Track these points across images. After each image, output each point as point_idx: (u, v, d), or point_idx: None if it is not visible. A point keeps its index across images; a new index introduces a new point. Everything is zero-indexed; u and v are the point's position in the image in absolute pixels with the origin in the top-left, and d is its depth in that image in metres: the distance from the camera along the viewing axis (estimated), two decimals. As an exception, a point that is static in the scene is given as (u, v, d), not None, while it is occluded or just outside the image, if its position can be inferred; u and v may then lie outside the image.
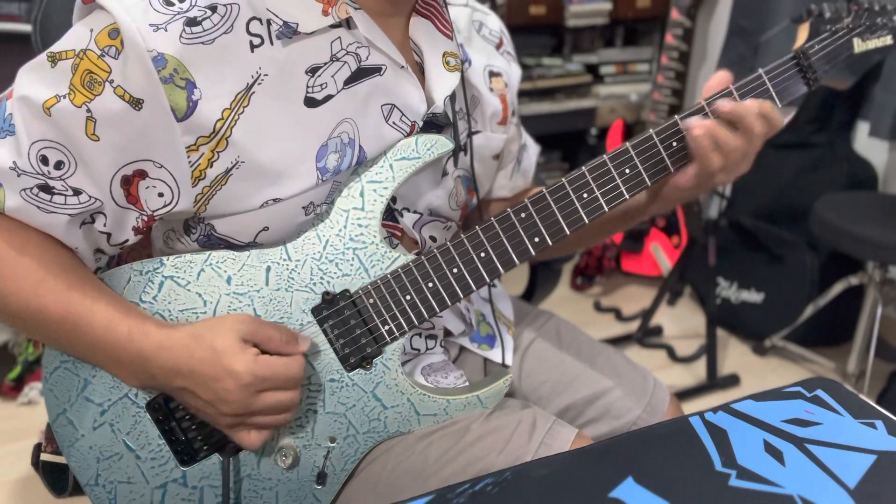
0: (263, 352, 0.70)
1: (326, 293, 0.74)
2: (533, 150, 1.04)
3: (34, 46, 0.92)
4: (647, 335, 2.29)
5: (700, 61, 2.73)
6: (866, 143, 2.19)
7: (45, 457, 0.82)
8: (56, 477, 0.82)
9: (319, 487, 0.78)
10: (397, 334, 0.76)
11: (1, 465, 1.64)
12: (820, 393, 0.71)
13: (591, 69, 2.72)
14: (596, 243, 1.05)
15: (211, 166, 0.68)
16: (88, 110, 0.65)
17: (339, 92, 0.72)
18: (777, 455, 0.62)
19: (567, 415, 0.93)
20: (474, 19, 0.92)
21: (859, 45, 0.82)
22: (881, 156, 2.18)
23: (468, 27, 0.90)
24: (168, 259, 0.73)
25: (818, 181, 2.17)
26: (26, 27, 1.85)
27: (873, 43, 0.82)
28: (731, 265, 2.33)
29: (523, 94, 2.54)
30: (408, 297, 0.75)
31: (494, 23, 0.95)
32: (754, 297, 2.27)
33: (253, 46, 0.68)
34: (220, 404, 0.68)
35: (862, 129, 2.21)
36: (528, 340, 0.99)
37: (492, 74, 0.90)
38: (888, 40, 0.83)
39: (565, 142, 2.83)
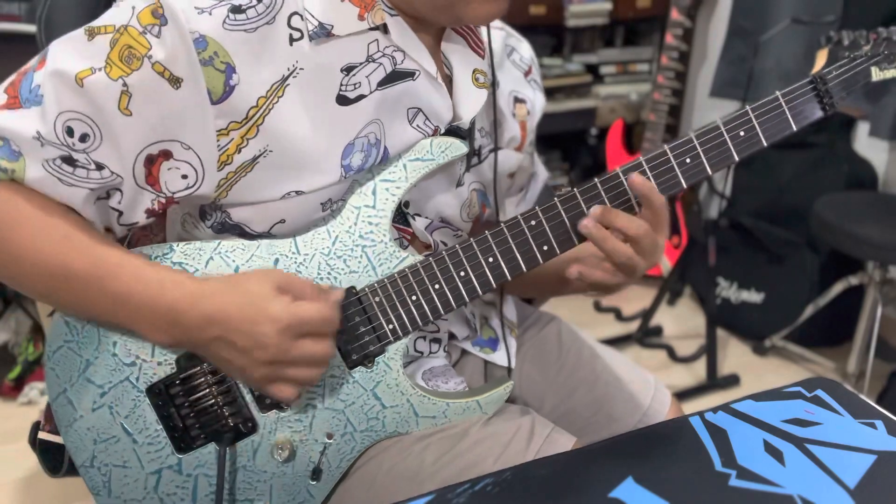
0: None
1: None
2: (542, 178, 1.03)
3: (39, 47, 0.92)
4: (647, 335, 2.29)
5: (700, 61, 2.74)
6: (866, 143, 2.19)
7: (42, 435, 0.82)
8: (51, 455, 0.82)
9: (314, 483, 0.78)
10: (401, 334, 0.76)
11: (1, 465, 1.64)
12: (820, 393, 0.71)
13: (591, 69, 2.71)
14: (533, 296, 1.05)
15: (239, 152, 0.69)
16: (125, 84, 0.65)
17: (371, 92, 0.73)
18: (777, 455, 0.62)
19: (567, 419, 0.93)
20: (507, 44, 0.93)
21: (877, 74, 0.82)
22: (881, 156, 2.18)
23: (501, 51, 0.91)
24: (178, 245, 0.73)
25: (818, 181, 2.17)
26: (26, 27, 1.85)
27: (891, 73, 0.82)
28: (731, 265, 2.33)
29: (523, 94, 2.54)
30: (413, 298, 0.75)
31: (526, 50, 0.95)
32: (754, 297, 2.27)
33: (292, 40, 0.69)
34: (258, 350, 0.66)
35: (862, 129, 2.21)
36: (529, 344, 0.99)
37: (516, 101, 0.91)
38: None
39: (565, 142, 2.83)
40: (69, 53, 0.67)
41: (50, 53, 0.68)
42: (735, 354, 2.23)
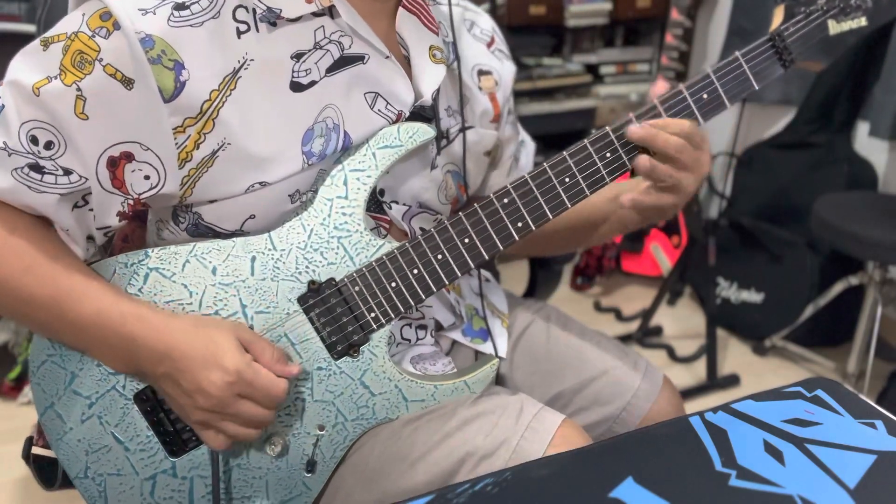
0: None
1: (312, 282, 0.75)
2: (530, 146, 1.04)
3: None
4: (647, 335, 2.29)
5: (700, 61, 2.73)
6: (866, 143, 2.19)
7: (36, 450, 0.82)
8: (46, 470, 0.82)
9: (309, 475, 0.79)
10: (383, 321, 0.76)
11: (1, 465, 1.64)
12: (820, 393, 0.71)
13: (591, 69, 2.71)
14: (558, 252, 1.07)
15: (197, 148, 0.69)
16: (78, 89, 0.66)
17: (321, 78, 0.73)
18: (777, 455, 0.61)
19: (556, 404, 0.93)
20: (465, 18, 0.93)
21: (834, 27, 0.82)
22: (881, 156, 2.18)
23: (459, 26, 0.91)
24: (153, 251, 0.73)
25: (818, 181, 2.16)
26: (26, 27, 1.85)
27: (847, 24, 0.83)
28: (731, 265, 2.33)
29: (523, 94, 2.54)
30: (393, 285, 0.76)
31: (486, 22, 0.95)
32: (754, 297, 2.27)
33: (240, 33, 0.69)
34: (199, 395, 0.68)
35: (862, 129, 2.21)
36: (519, 331, 0.99)
37: (481, 73, 0.91)
38: (862, 21, 0.84)
39: (565, 142, 2.79)
40: (26, 64, 0.68)
41: (10, 67, 0.69)
42: (735, 354, 2.23)
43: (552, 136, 2.74)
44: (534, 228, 0.77)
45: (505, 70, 0.94)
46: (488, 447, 0.74)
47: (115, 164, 0.69)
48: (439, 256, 0.76)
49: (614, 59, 2.73)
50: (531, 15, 2.46)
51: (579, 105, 2.64)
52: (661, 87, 1.85)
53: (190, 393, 0.69)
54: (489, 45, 0.94)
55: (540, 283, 1.33)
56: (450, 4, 0.83)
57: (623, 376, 0.93)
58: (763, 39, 0.81)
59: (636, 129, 0.76)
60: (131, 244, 0.85)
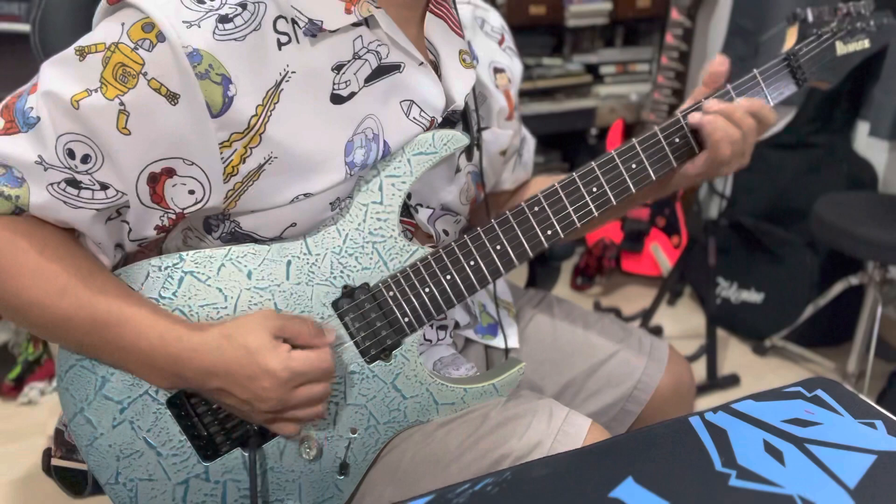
0: (293, 346, 0.70)
1: (346, 286, 0.75)
2: (531, 142, 1.06)
3: (33, 48, 0.91)
4: (647, 335, 2.29)
5: (700, 61, 2.73)
6: (866, 143, 2.19)
7: (55, 462, 0.81)
8: (70, 479, 0.82)
9: (342, 478, 0.79)
10: (417, 326, 0.77)
11: (1, 465, 1.64)
12: (820, 393, 0.71)
13: (591, 69, 2.71)
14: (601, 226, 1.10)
15: (244, 162, 0.68)
16: (122, 103, 0.64)
17: (360, 89, 0.73)
18: (777, 455, 0.61)
19: (569, 391, 0.95)
20: (476, 16, 0.93)
21: (841, 48, 0.87)
22: (881, 156, 2.18)
23: (472, 24, 0.92)
24: (188, 254, 0.73)
25: (818, 181, 2.16)
26: (26, 27, 1.85)
27: (853, 46, 0.87)
28: (731, 265, 2.33)
29: (523, 94, 2.54)
30: (427, 290, 0.77)
31: (496, 19, 0.96)
32: (754, 297, 2.27)
33: (280, 44, 0.68)
34: (258, 402, 0.69)
35: (862, 129, 2.21)
36: (525, 322, 1.01)
37: (496, 71, 0.92)
38: (866, 44, 0.89)
39: (565, 142, 2.82)
40: (61, 75, 0.65)
41: (42, 75, 0.67)
42: (735, 354, 2.23)
43: (552, 136, 2.74)
44: (562, 236, 0.79)
45: (515, 68, 0.96)
46: (523, 449, 0.75)
47: (156, 180, 0.68)
48: (472, 262, 0.78)
49: (614, 59, 2.73)
50: (531, 15, 2.45)
51: (579, 105, 2.64)
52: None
53: (248, 401, 0.70)
54: (500, 42, 0.95)
55: (539, 281, 1.33)
56: (454, 5, 0.83)
57: (630, 355, 0.95)
58: (779, 59, 0.85)
59: (699, 115, 0.79)
60: (146, 249, 0.85)
